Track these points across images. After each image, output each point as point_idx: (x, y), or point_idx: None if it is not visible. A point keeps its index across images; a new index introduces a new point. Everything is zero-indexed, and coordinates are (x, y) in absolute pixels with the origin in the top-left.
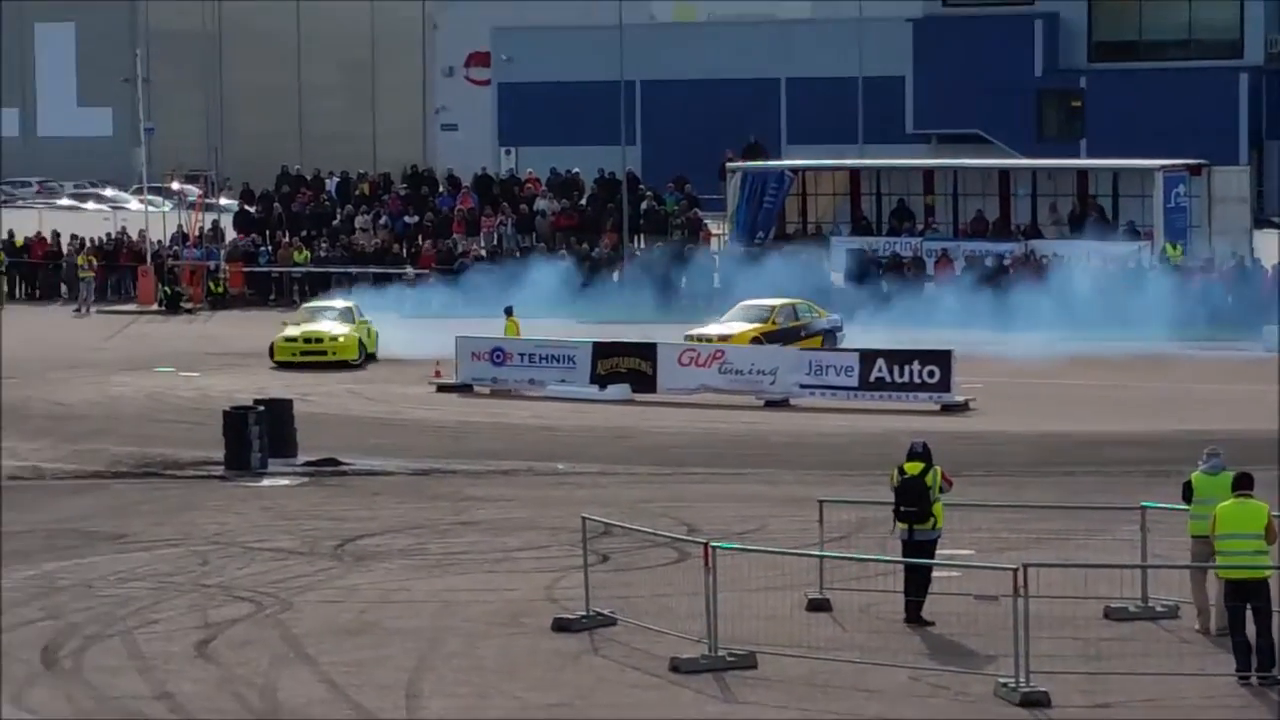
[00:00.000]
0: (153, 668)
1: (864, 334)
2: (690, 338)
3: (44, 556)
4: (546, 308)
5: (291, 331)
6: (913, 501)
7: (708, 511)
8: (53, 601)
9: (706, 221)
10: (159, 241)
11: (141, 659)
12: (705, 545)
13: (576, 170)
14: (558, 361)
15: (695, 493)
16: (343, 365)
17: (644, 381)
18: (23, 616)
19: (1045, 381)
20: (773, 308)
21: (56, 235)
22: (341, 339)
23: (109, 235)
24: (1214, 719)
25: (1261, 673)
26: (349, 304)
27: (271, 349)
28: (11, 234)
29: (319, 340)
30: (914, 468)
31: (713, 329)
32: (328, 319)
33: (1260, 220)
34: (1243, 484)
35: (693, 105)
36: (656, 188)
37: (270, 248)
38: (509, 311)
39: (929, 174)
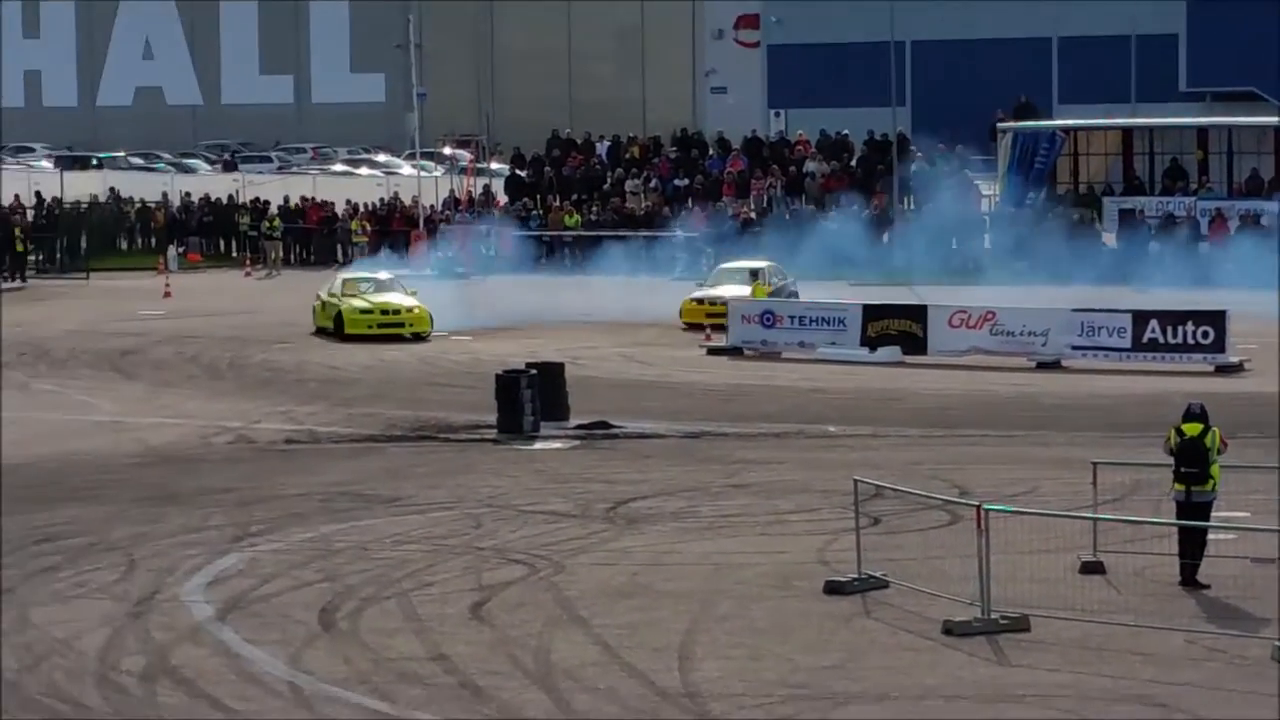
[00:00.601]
0: (428, 630)
1: (1137, 295)
2: (694, 301)
3: (320, 519)
4: (815, 270)
5: (361, 304)
6: (1193, 463)
7: (979, 474)
8: (330, 564)
9: (977, 183)
10: (431, 206)
11: (417, 621)
12: (977, 508)
13: (846, 132)
14: (828, 324)
15: (966, 455)
16: (416, 338)
17: (914, 343)
18: (300, 579)
19: None
20: (757, 270)
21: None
22: (416, 310)
23: (382, 200)
24: None
25: None
26: (390, 274)
27: (339, 320)
28: (287, 199)
29: (395, 312)
30: (1193, 429)
31: (711, 292)
32: (391, 291)
33: None
34: None
35: (962, 65)
36: (926, 149)
37: (541, 212)
38: (755, 275)
39: (1203, 132)
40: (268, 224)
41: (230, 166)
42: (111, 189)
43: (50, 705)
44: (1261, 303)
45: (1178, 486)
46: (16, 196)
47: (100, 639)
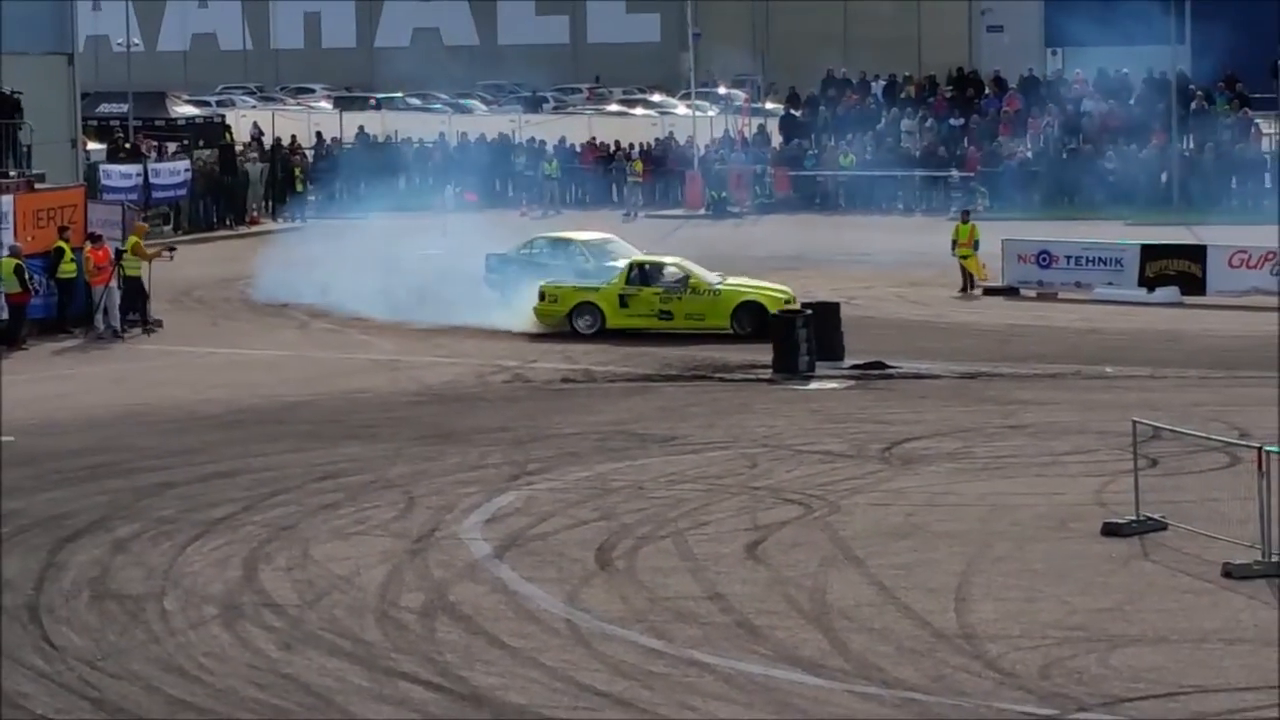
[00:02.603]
0: (704, 569)
1: None
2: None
3: (597, 458)
4: (1091, 210)
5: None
6: None
7: (1260, 416)
8: (606, 502)
9: (1258, 121)
10: (706, 146)
11: (693, 560)
12: (1258, 450)
13: (1125, 70)
14: (1105, 264)
15: (1247, 396)
16: None
17: (1193, 284)
18: (577, 517)
19: None
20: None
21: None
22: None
23: (656, 140)
24: None
25: None
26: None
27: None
28: (563, 140)
29: None
30: None
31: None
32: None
33: None
34: None
35: (1243, 3)
36: (1206, 87)
37: (816, 151)
38: (965, 216)
39: None
40: (547, 165)
41: (535, 105)
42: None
43: (331, 640)
44: None
45: None
46: (294, 137)
47: (380, 575)
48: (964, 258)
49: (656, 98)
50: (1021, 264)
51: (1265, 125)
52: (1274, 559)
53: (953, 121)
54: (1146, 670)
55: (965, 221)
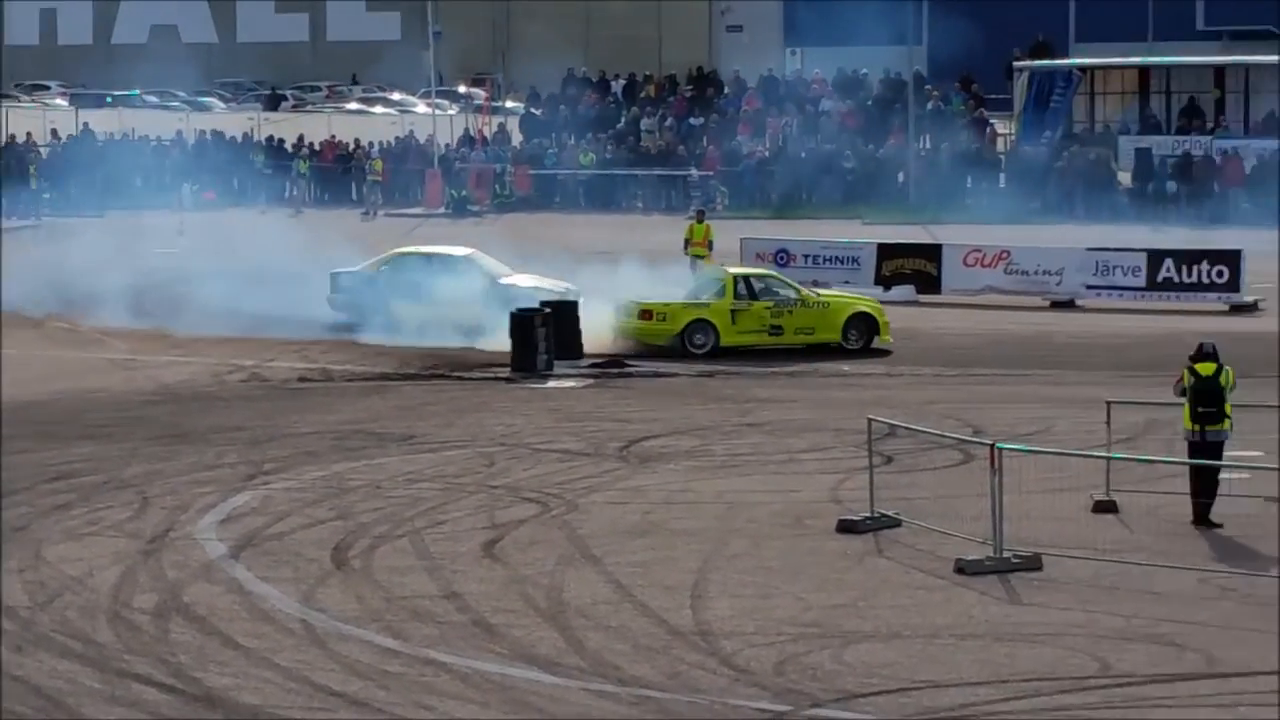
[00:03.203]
0: (440, 568)
1: (1152, 235)
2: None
3: (334, 457)
4: (829, 209)
5: None
6: (1209, 402)
7: (993, 413)
8: (343, 502)
9: (993, 122)
10: (446, 145)
11: (429, 559)
12: (991, 446)
13: (863, 70)
14: (842, 263)
15: (980, 394)
16: None
17: (928, 282)
18: (314, 517)
19: None
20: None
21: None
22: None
23: (396, 139)
24: None
25: None
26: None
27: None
28: (302, 138)
29: None
30: (1207, 368)
31: None
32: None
33: None
34: None
35: (979, 4)
36: (942, 88)
37: (556, 150)
38: (700, 215)
39: (1220, 71)
40: (301, 164)
41: (274, 103)
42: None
43: (63, 642)
44: (1275, 242)
45: (1193, 426)
46: (29, 134)
47: (113, 576)
48: (698, 257)
49: (396, 96)
50: (760, 262)
51: (1000, 125)
52: (1005, 555)
53: (692, 121)
54: (880, 666)
55: (700, 221)
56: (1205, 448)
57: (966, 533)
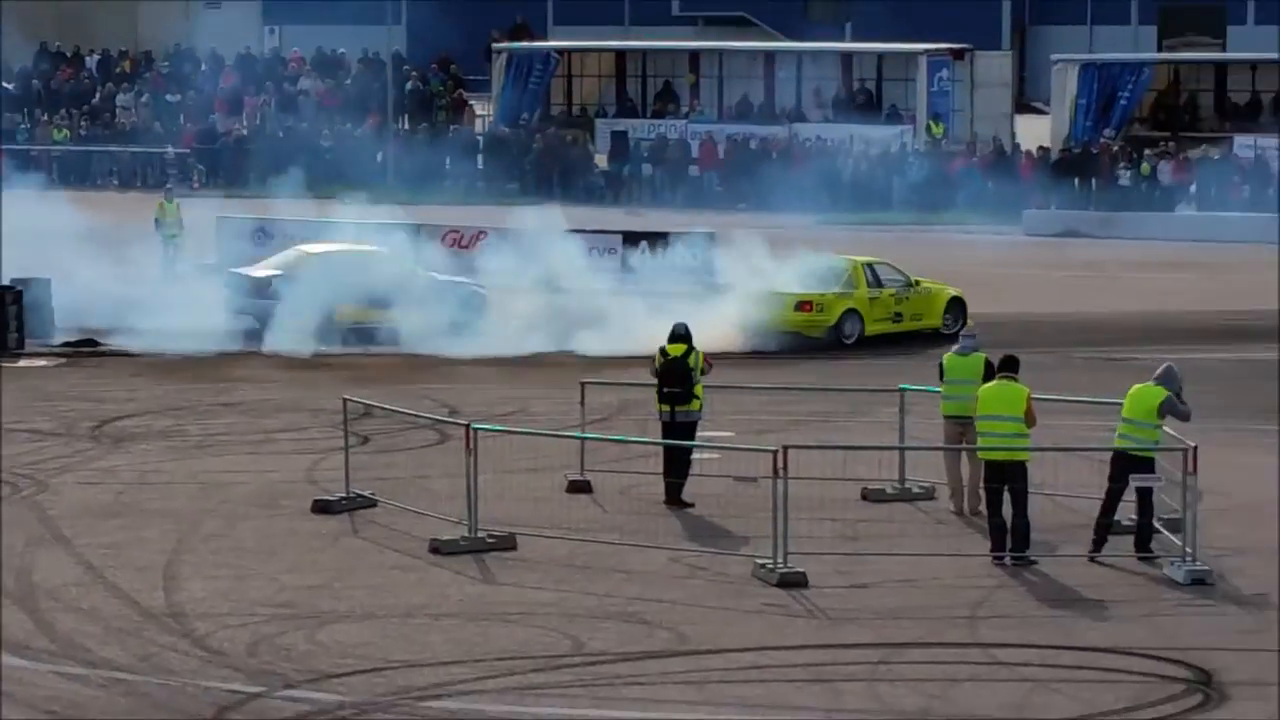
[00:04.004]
0: None
1: (628, 217)
2: None
3: None
4: (307, 188)
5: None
6: (676, 383)
7: (470, 394)
8: None
9: (472, 103)
10: None
11: None
12: (466, 427)
13: (341, 50)
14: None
15: (458, 374)
16: None
17: None
18: None
19: None
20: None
21: None
22: None
23: None
24: (968, 600)
25: (1015, 553)
26: None
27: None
28: None
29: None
30: (676, 349)
31: None
32: None
33: (1021, 105)
34: (1007, 366)
35: None
36: (422, 68)
37: (29, 126)
38: (168, 194)
39: (694, 56)
40: None
41: None
42: None
43: None
44: (749, 225)
45: (662, 407)
46: None
47: None
48: (171, 237)
49: None
50: (237, 241)
51: (479, 106)
52: (480, 535)
53: (169, 98)
54: (354, 646)
55: (170, 200)
56: (677, 428)
57: (442, 513)
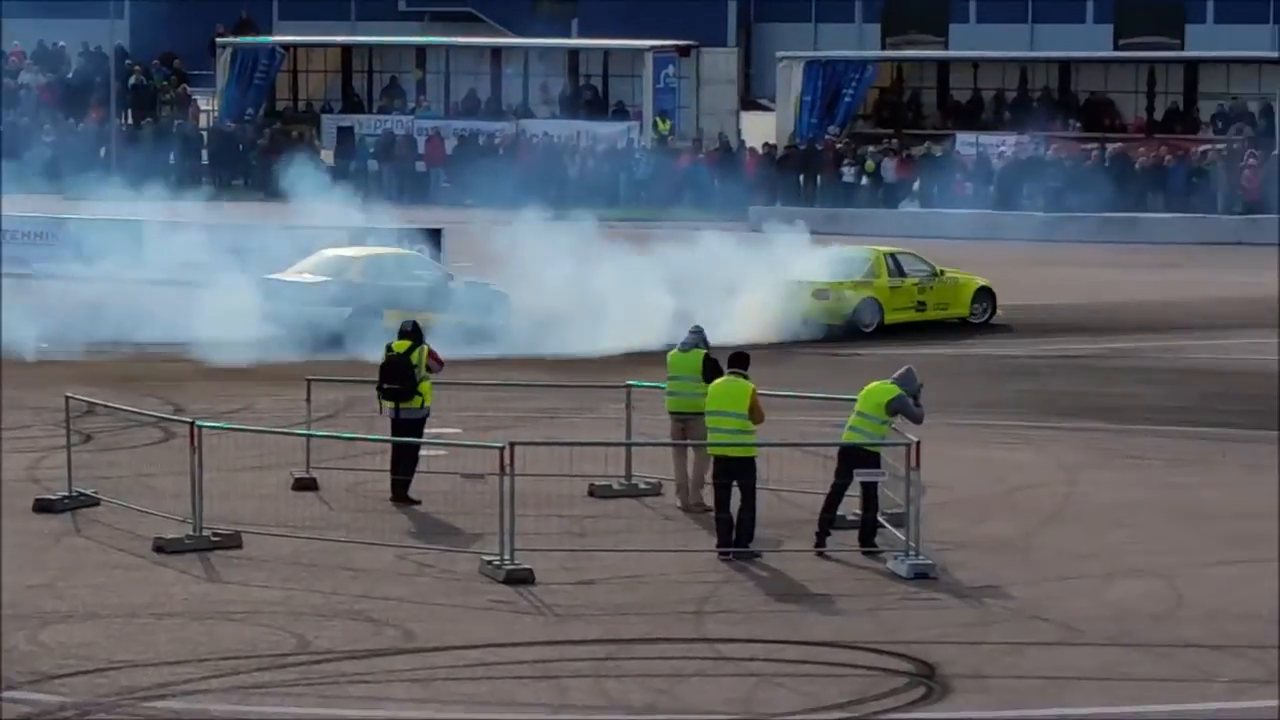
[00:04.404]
0: None
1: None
2: None
3: None
4: (31, 185)
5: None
6: (395, 379)
7: (196, 391)
8: None
9: (196, 98)
10: None
11: None
12: (191, 424)
13: (62, 44)
14: (41, 238)
15: (182, 371)
16: None
17: None
18: None
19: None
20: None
21: None
22: None
23: None
24: (695, 596)
25: (738, 547)
26: None
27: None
28: None
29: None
30: (401, 346)
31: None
32: None
33: (747, 102)
34: (735, 362)
35: None
36: (144, 63)
37: None
38: None
39: (421, 52)
40: None
41: None
42: None
43: None
44: (477, 221)
45: (387, 403)
46: None
47: None
48: None
49: None
50: None
51: (203, 102)
52: (205, 533)
53: None
54: (77, 646)
55: None
56: (402, 425)
57: (167, 511)
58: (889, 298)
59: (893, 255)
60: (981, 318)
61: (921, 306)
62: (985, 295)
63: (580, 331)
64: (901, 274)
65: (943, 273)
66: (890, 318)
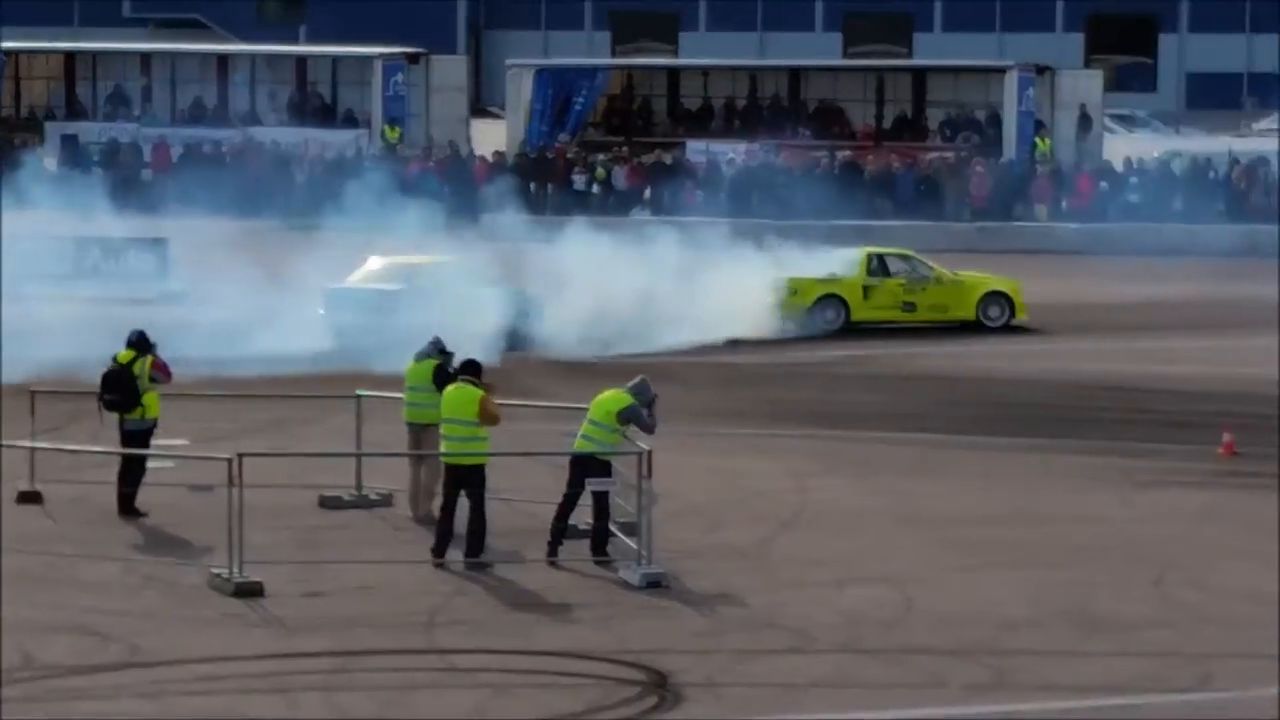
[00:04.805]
0: None
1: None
2: None
3: None
4: None
5: None
6: (115, 390)
7: None
8: None
9: None
10: None
11: None
12: None
13: None
14: None
15: None
16: None
17: None
18: None
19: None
20: None
21: None
22: None
23: None
24: (427, 606)
25: (469, 557)
26: None
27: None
28: None
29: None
30: (125, 356)
31: None
32: None
33: (477, 110)
34: (466, 369)
35: None
36: None
37: None
38: None
39: (146, 59)
40: None
41: None
42: None
43: None
44: (203, 229)
45: (105, 413)
46: None
47: None
48: None
49: None
50: None
51: None
52: None
53: None
54: None
55: None
56: (128, 436)
57: None
58: (858, 295)
59: (879, 255)
60: (997, 321)
61: (910, 307)
62: (998, 299)
63: None
64: (886, 273)
65: (945, 276)
66: (863, 315)
